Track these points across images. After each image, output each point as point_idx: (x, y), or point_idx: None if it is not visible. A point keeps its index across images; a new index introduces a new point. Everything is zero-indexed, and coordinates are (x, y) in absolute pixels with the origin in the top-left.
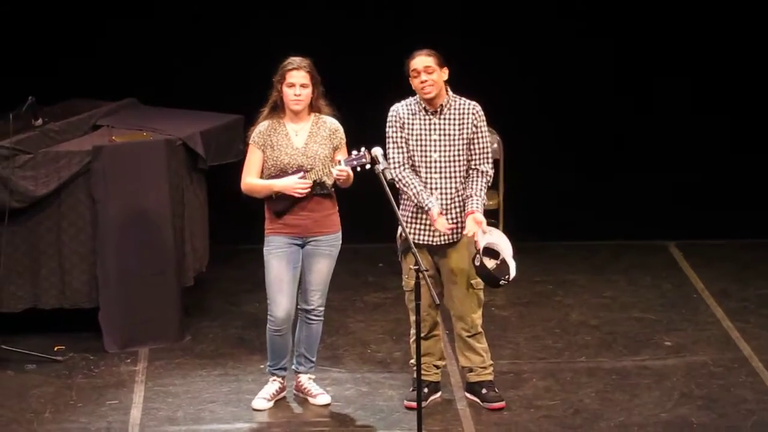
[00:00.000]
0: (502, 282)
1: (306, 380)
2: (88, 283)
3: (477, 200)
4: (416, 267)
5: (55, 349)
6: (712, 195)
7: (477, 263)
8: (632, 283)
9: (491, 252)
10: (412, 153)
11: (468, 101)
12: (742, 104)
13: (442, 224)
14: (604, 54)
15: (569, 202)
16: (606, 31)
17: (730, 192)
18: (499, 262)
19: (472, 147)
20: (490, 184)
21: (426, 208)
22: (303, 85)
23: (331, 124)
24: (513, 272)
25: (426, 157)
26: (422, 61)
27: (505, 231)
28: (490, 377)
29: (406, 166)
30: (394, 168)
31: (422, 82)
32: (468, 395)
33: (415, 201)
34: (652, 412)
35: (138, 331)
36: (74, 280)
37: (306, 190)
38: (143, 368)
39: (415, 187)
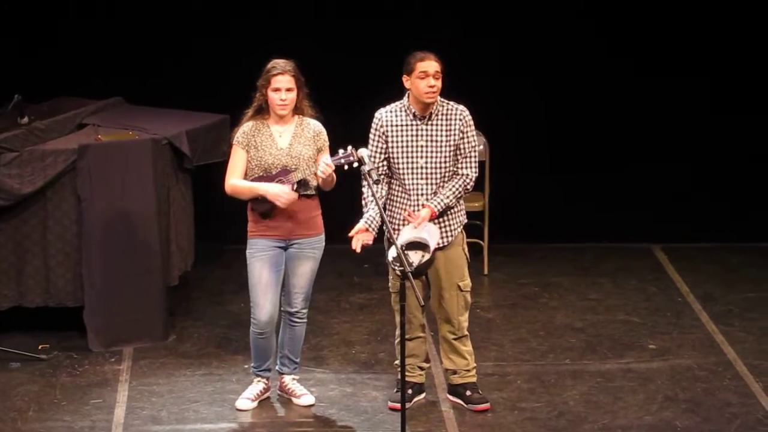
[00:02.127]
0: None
1: (290, 381)
2: (72, 281)
3: (439, 199)
4: (400, 268)
5: (40, 347)
6: (697, 198)
7: (393, 255)
8: (617, 286)
9: (418, 245)
10: (398, 159)
11: (455, 106)
12: (734, 108)
13: (356, 241)
14: (589, 55)
15: (555, 204)
16: (592, 32)
17: (715, 196)
18: (430, 255)
19: (458, 151)
20: (470, 187)
21: (367, 218)
22: (288, 90)
23: (314, 126)
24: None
25: (412, 163)
26: (433, 65)
27: (491, 232)
28: (474, 379)
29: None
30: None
31: (430, 86)
32: (450, 397)
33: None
34: (636, 415)
35: (122, 330)
36: (59, 279)
37: (289, 202)
38: (127, 367)
39: (367, 196)
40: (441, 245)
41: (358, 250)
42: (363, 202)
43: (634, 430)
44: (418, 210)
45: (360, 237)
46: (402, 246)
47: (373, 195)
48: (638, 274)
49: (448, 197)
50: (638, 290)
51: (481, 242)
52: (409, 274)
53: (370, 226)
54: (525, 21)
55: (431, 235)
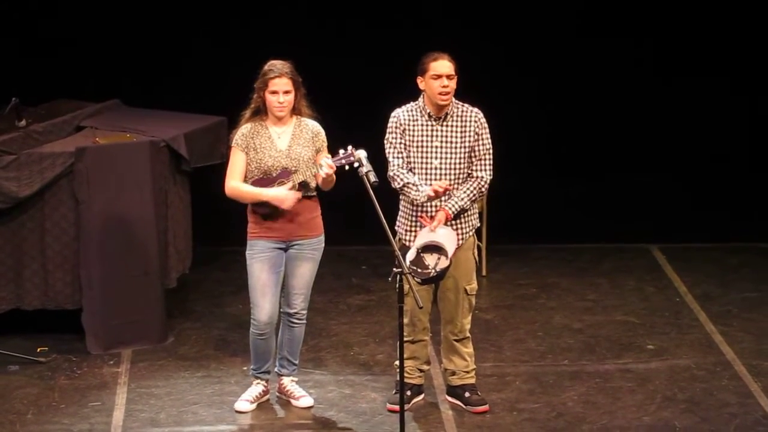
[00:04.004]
0: (432, 274)
1: (289, 382)
2: (71, 284)
3: (455, 201)
4: (399, 270)
5: (38, 350)
6: (695, 198)
7: (413, 256)
8: (615, 286)
9: (436, 249)
10: (412, 159)
11: (470, 108)
12: (734, 108)
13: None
14: (590, 58)
15: (553, 205)
16: (593, 32)
17: (713, 196)
18: (440, 256)
19: (472, 154)
20: (484, 190)
21: (422, 196)
22: (286, 92)
23: (312, 126)
24: (443, 265)
25: (426, 163)
26: (447, 66)
27: (489, 233)
28: (473, 380)
29: (405, 170)
30: (394, 171)
31: (443, 87)
32: (449, 398)
33: (409, 194)
34: (635, 415)
35: (121, 332)
36: (57, 282)
37: (293, 203)
38: (126, 370)
39: (406, 178)
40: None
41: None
42: (404, 188)
43: (632, 431)
44: (431, 212)
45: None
46: (418, 249)
47: (369, 193)
48: (636, 274)
49: (462, 199)
50: (636, 290)
51: (479, 243)
52: (410, 277)
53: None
54: (528, 24)
55: (448, 240)
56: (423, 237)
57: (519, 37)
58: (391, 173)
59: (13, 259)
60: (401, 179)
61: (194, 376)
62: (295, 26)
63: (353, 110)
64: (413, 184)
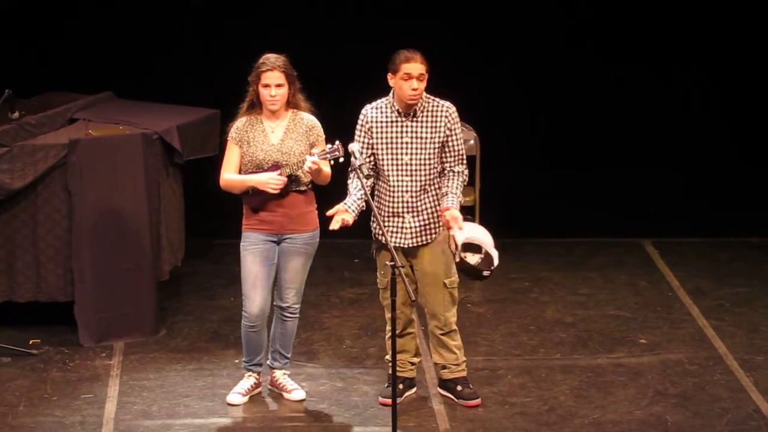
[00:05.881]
0: (485, 273)
1: (281, 375)
2: (63, 276)
3: (453, 197)
4: (392, 263)
5: (30, 342)
6: (687, 193)
7: (457, 260)
8: (608, 280)
9: (472, 246)
10: (382, 155)
11: (442, 102)
12: (725, 103)
13: (335, 222)
14: (581, 50)
15: (545, 199)
16: (583, 29)
17: (705, 190)
18: (483, 255)
19: (446, 149)
20: (465, 184)
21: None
22: (278, 85)
23: (308, 120)
24: (496, 261)
25: (397, 159)
26: (418, 68)
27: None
28: (464, 374)
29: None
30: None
31: (413, 89)
32: (441, 391)
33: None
34: (627, 409)
35: (113, 325)
36: (50, 274)
37: (279, 187)
38: (118, 362)
39: (350, 185)
40: (426, 243)
41: (336, 227)
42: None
43: (624, 425)
44: (406, 209)
45: (340, 217)
46: (459, 248)
47: (361, 184)
48: (628, 268)
49: (456, 194)
50: (628, 285)
51: None
52: (400, 269)
53: (349, 207)
54: (516, 18)
55: (481, 234)
56: (459, 236)
57: (513, 31)
58: (350, 170)
59: (5, 251)
60: (349, 183)
61: (186, 368)
62: (288, 18)
63: (345, 102)
64: (348, 194)
